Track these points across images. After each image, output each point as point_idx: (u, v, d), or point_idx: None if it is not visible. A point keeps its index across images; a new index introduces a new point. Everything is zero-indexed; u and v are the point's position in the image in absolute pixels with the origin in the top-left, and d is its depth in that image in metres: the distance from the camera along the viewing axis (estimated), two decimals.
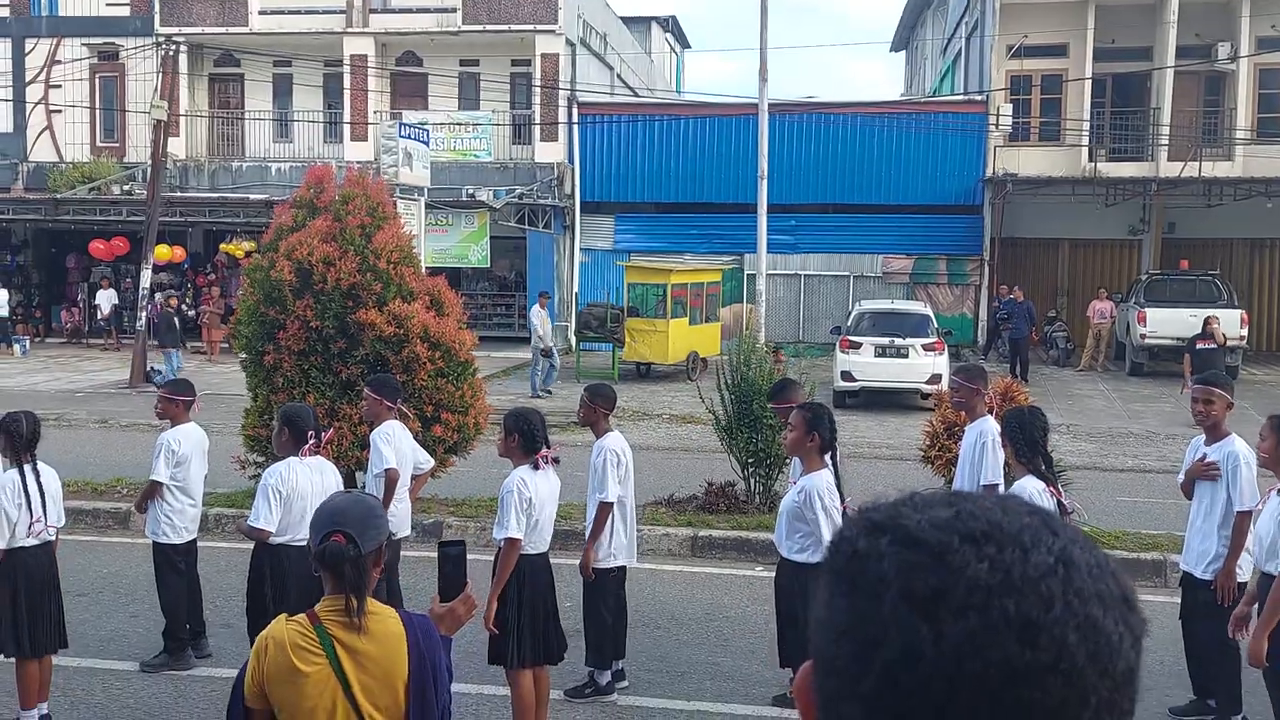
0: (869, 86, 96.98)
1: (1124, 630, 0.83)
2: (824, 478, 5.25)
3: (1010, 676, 0.78)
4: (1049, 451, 5.62)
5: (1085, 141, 25.53)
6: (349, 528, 3.01)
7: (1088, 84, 25.39)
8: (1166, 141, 24.86)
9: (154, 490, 7.16)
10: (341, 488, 6.35)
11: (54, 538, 6.33)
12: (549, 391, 19.15)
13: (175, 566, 7.24)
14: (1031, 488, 5.31)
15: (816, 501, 5.10)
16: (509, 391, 18.70)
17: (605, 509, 6.45)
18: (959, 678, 0.78)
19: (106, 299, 25.81)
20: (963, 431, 9.23)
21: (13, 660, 6.15)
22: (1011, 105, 25.64)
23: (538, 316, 19.73)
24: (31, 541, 6.13)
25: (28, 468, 6.14)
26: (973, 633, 0.79)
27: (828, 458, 5.41)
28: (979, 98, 26.20)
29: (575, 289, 26.20)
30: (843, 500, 5.45)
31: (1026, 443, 5.42)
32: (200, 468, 7.40)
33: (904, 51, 45.83)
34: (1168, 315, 21.27)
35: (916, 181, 25.92)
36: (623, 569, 6.74)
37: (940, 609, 0.80)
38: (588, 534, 6.60)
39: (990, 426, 6.45)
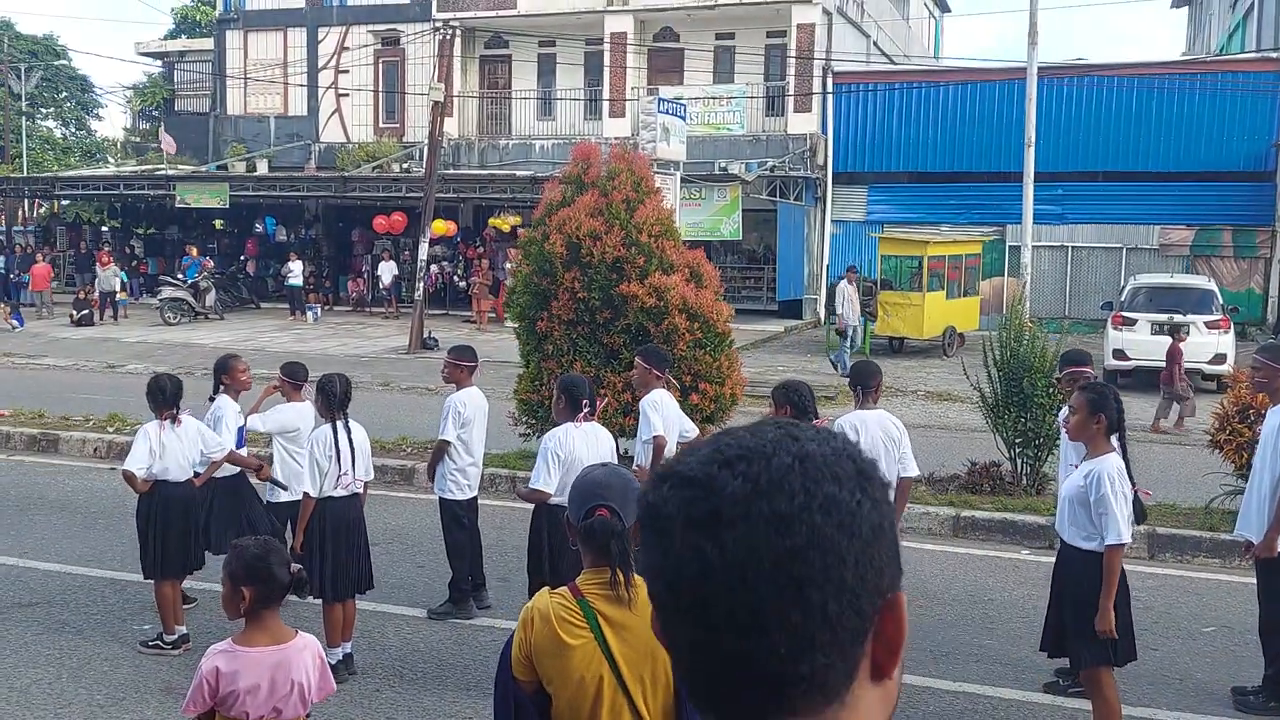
0: (1145, 45, 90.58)
1: (861, 497, 0.98)
2: (1113, 461, 5.03)
3: (780, 560, 0.95)
4: None
5: None
6: (612, 501, 2.98)
7: None
8: None
9: (443, 449, 7.67)
10: (614, 452, 6.62)
11: (361, 490, 6.90)
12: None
13: (460, 521, 7.73)
14: None
15: (1105, 484, 4.90)
16: (759, 363, 18.76)
17: None
18: (745, 575, 0.95)
19: (387, 270, 27.52)
20: (1256, 415, 8.61)
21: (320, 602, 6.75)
22: None
23: (843, 293, 19.20)
24: (340, 492, 6.66)
25: (340, 424, 6.71)
26: (744, 537, 0.95)
27: (1115, 440, 5.17)
28: (1274, 55, 24.04)
29: (826, 262, 25.97)
30: (1134, 484, 5.20)
31: None
32: (482, 429, 7.88)
33: (1186, 8, 42.54)
34: None
35: (1198, 147, 24.11)
36: None
37: (716, 526, 0.96)
38: None
39: None
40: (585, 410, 6.52)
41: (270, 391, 8.03)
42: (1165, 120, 24.34)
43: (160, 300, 25.81)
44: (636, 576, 3.05)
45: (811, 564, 0.95)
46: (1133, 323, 17.25)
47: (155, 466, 6.92)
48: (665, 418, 7.19)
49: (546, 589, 3.14)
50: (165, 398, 7.00)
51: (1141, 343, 17.04)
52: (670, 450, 7.32)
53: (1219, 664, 6.83)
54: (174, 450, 6.96)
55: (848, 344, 18.95)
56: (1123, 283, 21.44)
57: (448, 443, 7.58)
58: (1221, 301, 17.97)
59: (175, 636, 6.93)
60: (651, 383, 7.20)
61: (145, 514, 7.02)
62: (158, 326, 24.82)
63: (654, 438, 7.12)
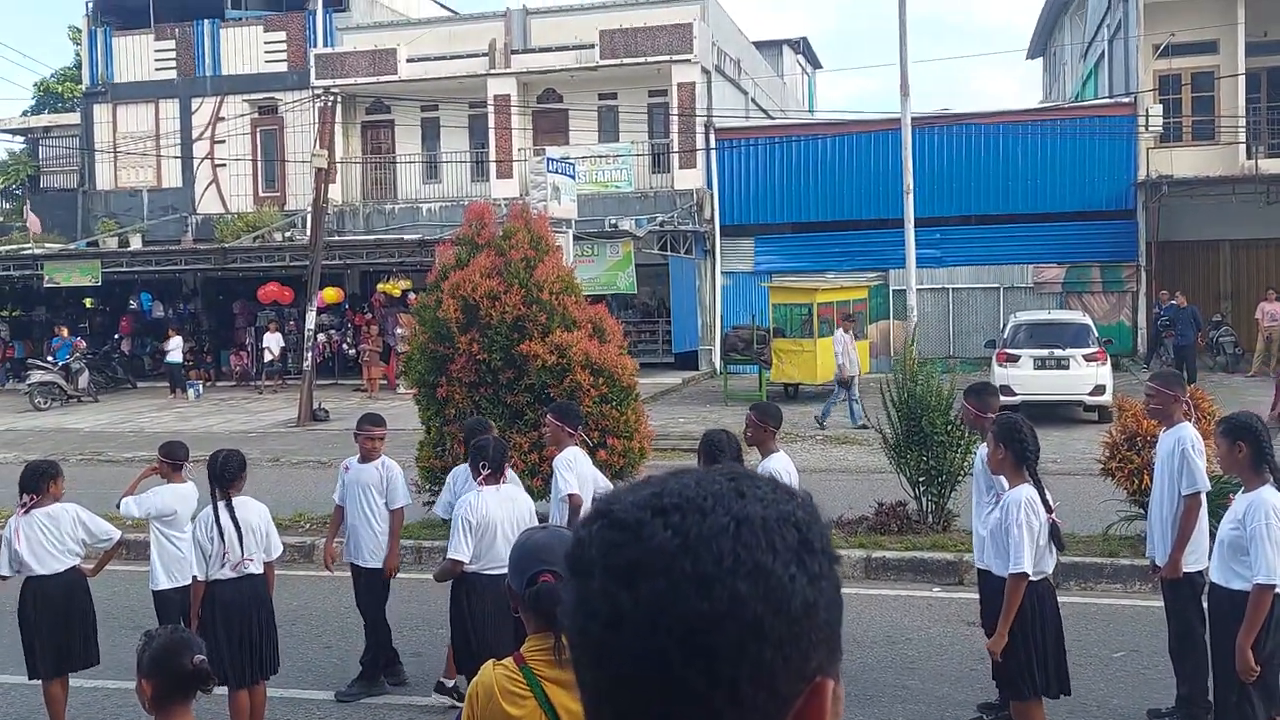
0: (1004, 96, 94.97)
1: (796, 571, 0.92)
2: (1023, 492, 5.14)
3: (694, 626, 0.89)
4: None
5: (1242, 138, 24.41)
6: (556, 565, 2.89)
7: (1241, 79, 24.29)
8: None
9: (400, 519, 7.65)
10: (533, 513, 6.49)
11: (259, 570, 6.59)
12: (866, 424, 16.17)
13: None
14: (1273, 500, 5.04)
15: (1013, 514, 5.00)
16: (661, 415, 18.76)
17: None
18: (656, 632, 0.89)
19: (274, 342, 26.63)
20: (1143, 441, 8.92)
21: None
22: (1161, 105, 24.71)
23: (841, 342, 17.98)
24: (228, 574, 6.38)
25: (222, 504, 6.42)
26: (661, 593, 0.90)
27: (1028, 471, 5.29)
28: (1126, 100, 25.34)
29: (718, 312, 26.29)
30: (1050, 512, 5.32)
31: (1269, 449, 5.17)
32: None
33: (1041, 58, 44.71)
34: None
35: (1064, 188, 25.22)
36: None
37: (636, 576, 0.91)
38: None
39: (1189, 433, 6.20)
40: (485, 473, 6.36)
41: (149, 473, 7.68)
42: (1031, 164, 25.41)
43: (29, 385, 24.60)
44: None
45: (727, 634, 0.89)
46: (1016, 359, 17.79)
47: (25, 556, 6.53)
48: (580, 475, 7.08)
49: (492, 661, 3.06)
50: (22, 486, 6.67)
51: (1026, 378, 17.57)
52: (588, 508, 7.22)
53: (1132, 687, 6.97)
54: (36, 541, 6.57)
55: (854, 394, 17.65)
56: (1002, 321, 22.14)
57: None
58: (1097, 335, 18.68)
59: None
60: (564, 440, 7.10)
61: (21, 610, 6.65)
62: (27, 412, 23.70)
63: (569, 496, 7.00)
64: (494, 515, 6.19)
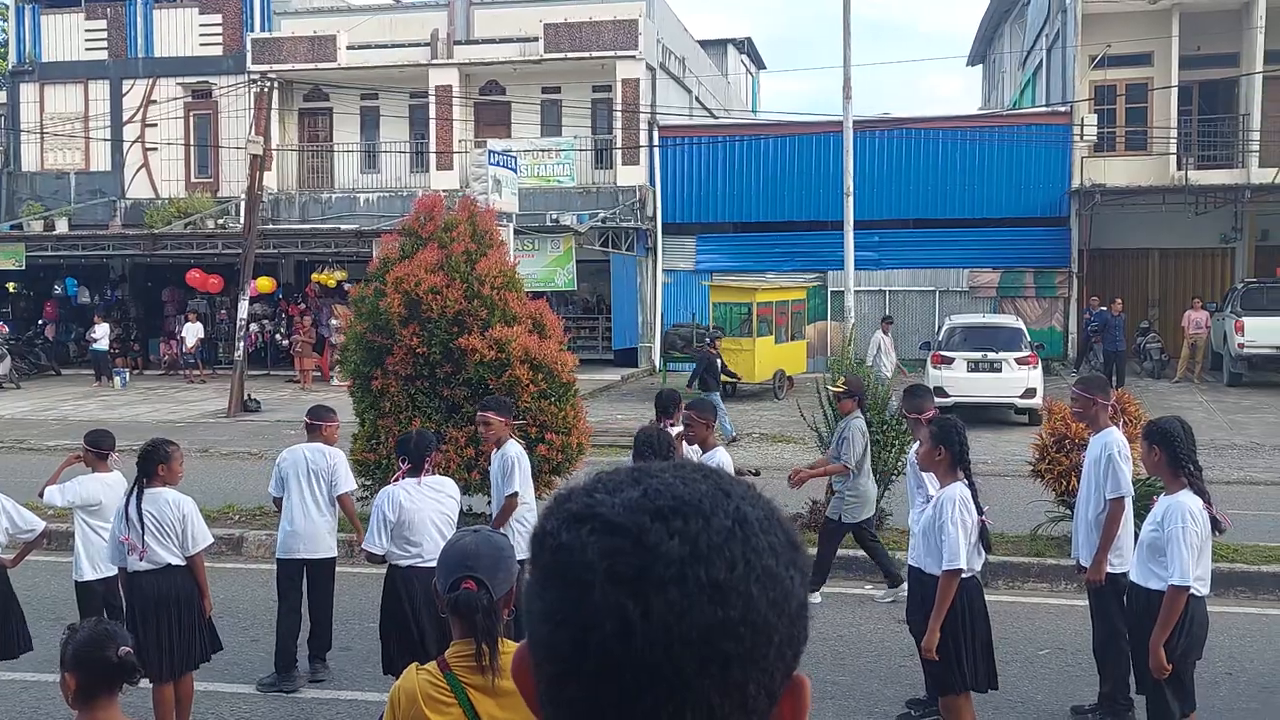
0: (945, 101, 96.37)
1: (794, 572, 0.93)
2: (957, 490, 5.23)
3: (710, 633, 0.87)
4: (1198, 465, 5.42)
5: (1173, 150, 25.01)
6: (480, 572, 2.89)
7: (1174, 92, 24.89)
8: (1257, 148, 24.26)
9: (348, 501, 7.56)
10: (457, 504, 6.43)
11: (176, 562, 6.28)
12: None
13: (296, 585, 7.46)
14: (1190, 504, 5.16)
15: (947, 512, 5.07)
16: (600, 411, 18.74)
17: None
18: (667, 643, 0.87)
19: (192, 332, 25.98)
20: (1072, 444, 9.09)
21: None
22: (1096, 115, 25.24)
23: (878, 344, 18.06)
24: (143, 566, 6.21)
25: (133, 494, 6.27)
26: (674, 602, 0.87)
27: (963, 472, 5.37)
28: (1062, 109, 25.84)
29: (659, 310, 26.33)
30: (980, 513, 5.41)
31: (1185, 454, 5.26)
32: None
33: (980, 65, 45.40)
34: (1266, 323, 20.72)
35: (1000, 194, 25.65)
36: None
37: (644, 586, 0.87)
38: None
39: (1115, 438, 6.32)
40: (404, 467, 6.31)
41: (72, 461, 7.48)
42: (969, 170, 25.81)
43: None
44: (505, 642, 2.94)
45: (741, 640, 0.88)
46: (950, 361, 18.05)
47: None
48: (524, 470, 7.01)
49: (415, 665, 3.03)
50: None
51: (959, 380, 17.83)
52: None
53: (1056, 685, 7.10)
54: None
55: None
56: (937, 324, 22.45)
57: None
58: (1029, 339, 19.02)
59: None
60: (505, 433, 7.05)
61: None
62: None
63: (513, 495, 6.91)
64: (420, 508, 6.13)
